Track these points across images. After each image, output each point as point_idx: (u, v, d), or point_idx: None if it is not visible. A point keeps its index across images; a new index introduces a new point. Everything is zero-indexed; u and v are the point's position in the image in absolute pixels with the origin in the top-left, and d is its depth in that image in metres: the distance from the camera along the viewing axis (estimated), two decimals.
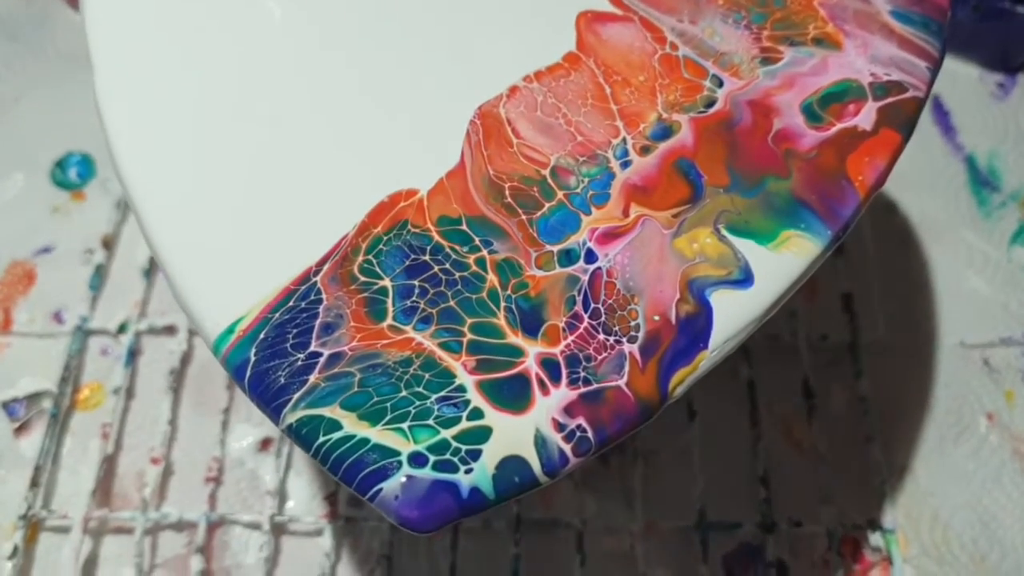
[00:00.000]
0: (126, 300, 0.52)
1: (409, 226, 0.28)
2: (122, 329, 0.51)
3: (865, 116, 0.30)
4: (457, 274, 0.27)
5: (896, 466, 0.47)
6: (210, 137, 0.29)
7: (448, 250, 0.27)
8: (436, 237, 0.27)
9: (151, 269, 0.53)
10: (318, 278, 0.27)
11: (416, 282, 0.27)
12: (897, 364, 0.50)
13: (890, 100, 0.30)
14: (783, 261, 0.27)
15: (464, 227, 0.28)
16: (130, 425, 0.49)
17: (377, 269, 0.27)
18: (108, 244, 0.54)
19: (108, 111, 0.30)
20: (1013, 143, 0.58)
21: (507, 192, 0.28)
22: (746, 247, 0.27)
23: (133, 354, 0.50)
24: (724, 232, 0.28)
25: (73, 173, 0.58)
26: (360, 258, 0.27)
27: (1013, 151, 0.57)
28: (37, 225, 0.56)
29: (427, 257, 0.27)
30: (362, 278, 0.27)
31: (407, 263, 0.27)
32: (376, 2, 0.32)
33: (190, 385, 0.50)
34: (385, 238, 0.27)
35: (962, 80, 0.60)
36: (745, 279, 0.27)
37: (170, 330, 0.51)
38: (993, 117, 0.59)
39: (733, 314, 0.26)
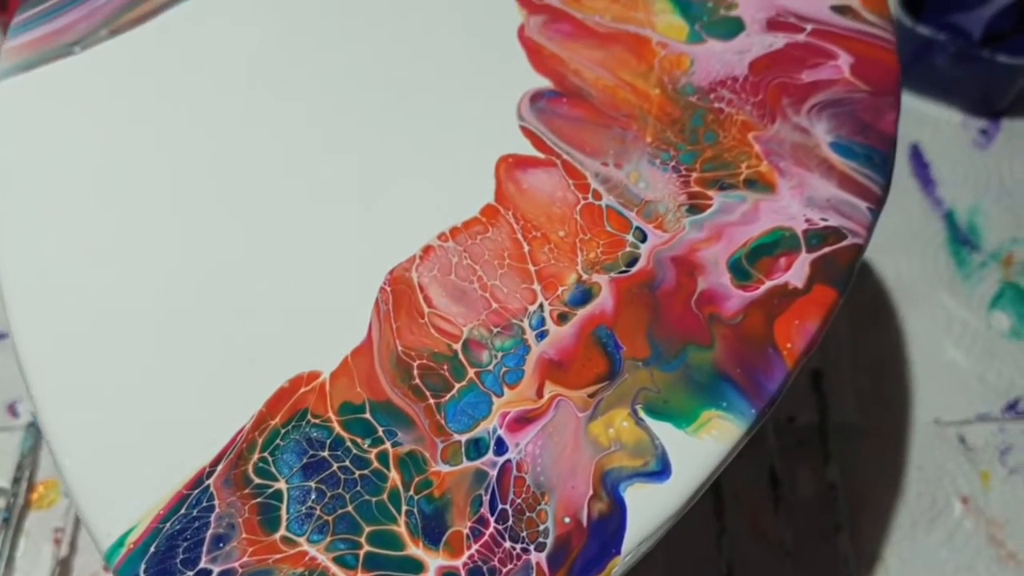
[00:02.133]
0: None
1: (309, 416, 0.26)
2: None
3: (797, 271, 0.28)
4: (357, 472, 0.25)
5: (865, 555, 0.45)
6: (105, 326, 0.28)
7: (349, 443, 0.26)
8: (337, 428, 0.26)
9: None
10: (211, 480, 0.25)
11: (313, 484, 0.25)
12: (868, 445, 0.48)
13: (825, 251, 0.28)
14: (702, 448, 0.26)
15: (367, 415, 0.26)
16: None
17: (272, 469, 0.26)
18: None
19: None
20: (995, 197, 0.56)
21: (415, 372, 0.27)
22: (664, 432, 0.26)
23: None
24: (642, 414, 0.26)
25: None
26: (255, 456, 0.26)
27: (995, 206, 0.55)
28: None
29: (326, 453, 0.26)
30: (256, 480, 0.25)
31: (305, 460, 0.26)
32: (280, 152, 0.31)
33: None
34: (283, 431, 0.26)
35: (944, 127, 0.58)
36: (662, 471, 0.25)
37: None
38: (975, 168, 0.57)
39: (648, 512, 0.25)
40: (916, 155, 0.58)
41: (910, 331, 0.51)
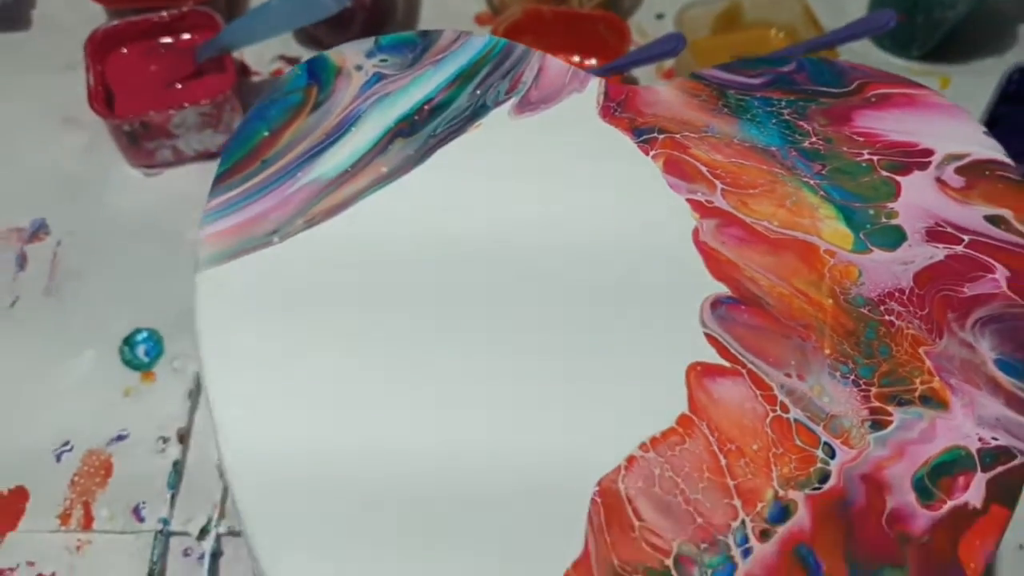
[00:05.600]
0: (204, 499, 0.54)
1: None
2: (203, 533, 0.52)
3: (975, 491, 0.31)
4: None
5: None
6: (350, 543, 0.30)
7: None
8: None
9: None
10: None
11: None
12: None
13: (999, 470, 0.31)
14: None
15: None
16: None
17: None
18: (183, 437, 0.55)
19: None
20: None
21: None
22: None
23: (215, 556, 0.52)
24: None
25: (141, 351, 0.59)
26: None
27: None
28: (110, 410, 0.57)
29: None
30: None
31: None
32: (476, 352, 0.33)
33: None
34: None
35: None
36: None
37: None
38: None
39: None
40: None
41: None
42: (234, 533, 0.52)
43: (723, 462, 0.31)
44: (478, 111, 0.39)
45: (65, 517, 0.53)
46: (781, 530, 0.30)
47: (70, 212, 0.65)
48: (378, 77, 0.40)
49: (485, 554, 0.30)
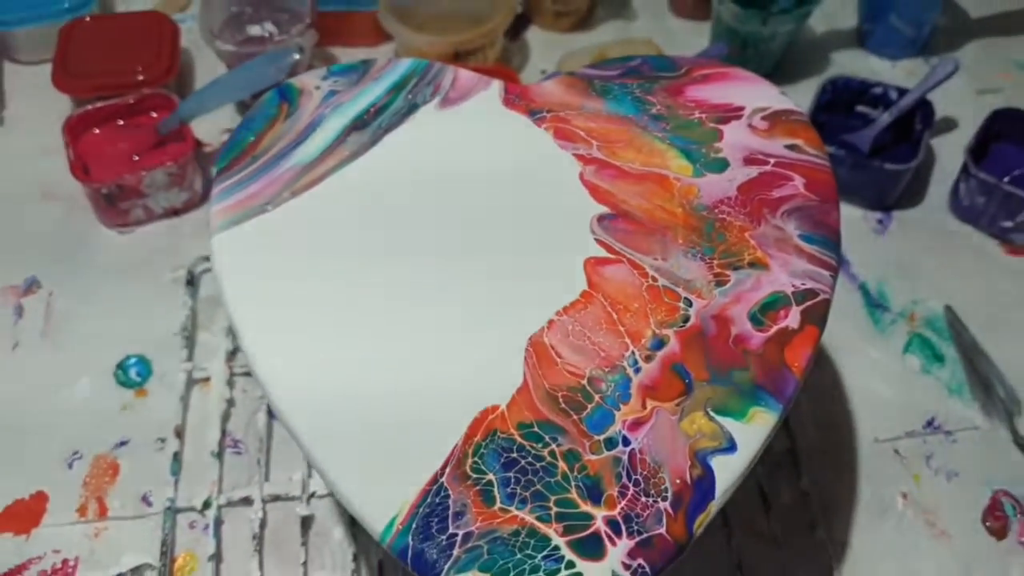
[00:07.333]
0: (203, 479, 0.63)
1: (498, 433, 0.40)
2: (206, 506, 0.62)
3: (793, 318, 0.44)
4: (538, 464, 0.40)
5: (837, 543, 0.61)
6: (351, 388, 0.42)
7: (528, 448, 0.40)
8: (518, 439, 0.40)
9: (220, 451, 0.64)
10: (444, 479, 0.39)
11: (511, 474, 0.39)
12: (829, 461, 0.64)
13: (808, 304, 0.44)
14: (753, 431, 0.41)
15: (536, 429, 0.41)
16: None
17: (483, 467, 0.39)
18: (179, 433, 0.65)
19: (266, 375, 0.42)
20: (894, 271, 0.73)
21: (560, 400, 0.41)
22: (728, 423, 0.41)
23: (218, 525, 0.61)
24: (712, 414, 0.41)
25: (133, 373, 0.69)
26: (469, 460, 0.40)
27: (895, 277, 0.73)
28: (112, 422, 0.67)
29: (515, 454, 0.40)
30: (473, 475, 0.39)
31: (502, 460, 0.40)
32: (437, 269, 0.46)
33: (269, 545, 0.61)
34: (483, 444, 0.40)
35: (849, 220, 0.76)
36: (731, 447, 0.40)
37: (247, 500, 0.62)
38: (877, 250, 0.75)
39: (727, 472, 0.40)
40: None
41: (847, 375, 0.68)
42: (232, 504, 0.62)
43: (615, 317, 0.44)
44: (411, 109, 0.53)
45: (82, 510, 0.62)
46: (660, 354, 0.43)
47: (57, 268, 0.75)
48: (333, 93, 0.53)
49: (462, 380, 0.42)
